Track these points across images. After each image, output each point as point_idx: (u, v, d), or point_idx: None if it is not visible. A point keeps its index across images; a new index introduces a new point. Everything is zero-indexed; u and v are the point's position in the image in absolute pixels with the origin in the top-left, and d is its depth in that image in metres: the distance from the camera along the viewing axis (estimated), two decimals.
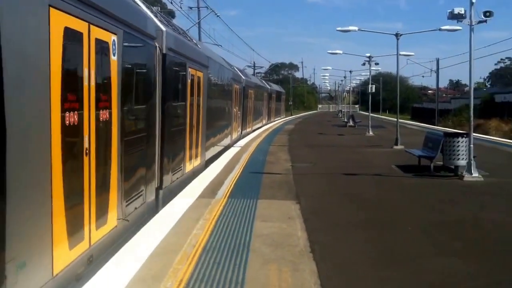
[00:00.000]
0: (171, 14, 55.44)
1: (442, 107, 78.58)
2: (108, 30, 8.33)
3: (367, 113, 43.81)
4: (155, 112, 11.97)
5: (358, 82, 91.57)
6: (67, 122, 6.83)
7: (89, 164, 7.67)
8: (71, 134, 7.01)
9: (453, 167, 17.27)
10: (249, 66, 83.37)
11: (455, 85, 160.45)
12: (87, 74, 7.54)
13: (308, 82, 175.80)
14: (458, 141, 16.99)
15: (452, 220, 11.07)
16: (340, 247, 8.88)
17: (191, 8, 48.51)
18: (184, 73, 14.84)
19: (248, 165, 19.08)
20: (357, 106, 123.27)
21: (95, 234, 7.96)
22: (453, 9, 17.00)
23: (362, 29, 31.10)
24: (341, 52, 39.46)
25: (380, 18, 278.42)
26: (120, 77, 9.02)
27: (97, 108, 7.95)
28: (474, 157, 16.65)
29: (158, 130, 12.27)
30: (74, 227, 7.14)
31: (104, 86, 8.33)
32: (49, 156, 6.33)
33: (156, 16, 13.07)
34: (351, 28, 29.33)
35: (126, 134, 9.47)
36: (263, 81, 60.40)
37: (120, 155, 9.09)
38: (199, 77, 16.91)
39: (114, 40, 8.68)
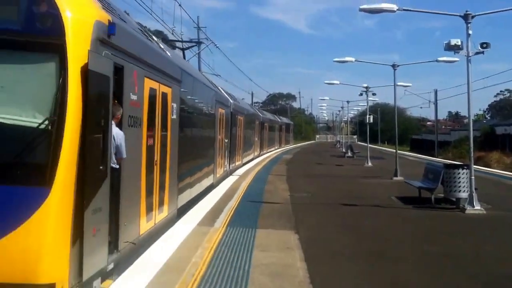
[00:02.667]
0: (172, 46, 55.85)
1: (441, 138, 78.58)
2: (223, 109, 23.49)
3: (366, 144, 43.78)
4: (228, 135, 25.85)
5: (356, 112, 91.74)
6: (219, 138, 22.24)
7: (220, 151, 22.59)
8: (220, 142, 22.57)
9: (454, 199, 17.12)
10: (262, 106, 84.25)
11: (454, 117, 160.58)
12: (222, 122, 23.12)
13: (306, 112, 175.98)
14: (459, 173, 16.84)
15: (453, 253, 10.92)
16: (340, 278, 8.73)
17: (191, 39, 48.72)
18: (237, 117, 29.81)
19: (246, 194, 18.94)
20: (355, 136, 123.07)
21: (218, 174, 22.06)
22: (449, 41, 16.99)
23: (359, 60, 31.13)
24: (338, 82, 39.51)
25: (376, 49, 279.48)
26: (224, 123, 23.84)
27: (225, 133, 24.17)
28: (475, 189, 16.51)
29: (228, 143, 25.72)
30: (219, 167, 22.47)
31: (222, 126, 23.12)
32: (216, 147, 21.51)
33: (227, 94, 28.04)
34: (347, 59, 29.35)
35: (232, 145, 26.98)
36: (275, 115, 78.31)
37: (224, 150, 23.92)
38: (241, 119, 32.10)
39: (224, 111, 23.72)
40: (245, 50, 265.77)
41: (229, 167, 26.15)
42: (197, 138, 16.94)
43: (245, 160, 34.72)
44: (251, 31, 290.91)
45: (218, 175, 21.99)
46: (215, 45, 47.94)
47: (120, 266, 8.70)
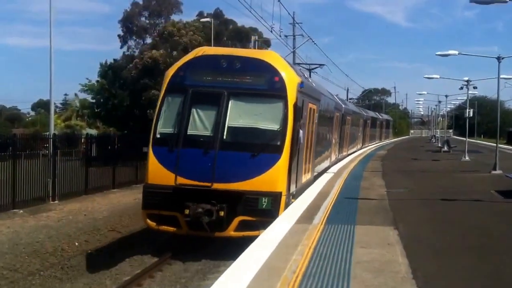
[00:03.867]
0: (267, 43, 56.18)
1: None
2: (338, 113, 30.22)
3: (461, 138, 42.57)
4: (340, 131, 31.80)
5: (452, 106, 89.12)
6: (335, 134, 29.51)
7: (334, 143, 29.83)
8: (335, 137, 30.20)
9: None
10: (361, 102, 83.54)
11: None
12: (337, 122, 30.13)
13: (400, 107, 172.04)
14: None
15: None
16: (443, 274, 8.65)
17: (287, 36, 49.02)
18: (346, 118, 35.65)
19: (342, 190, 18.91)
20: (450, 130, 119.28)
21: (332, 159, 29.16)
22: None
23: (462, 53, 30.06)
24: (438, 76, 38.54)
25: (476, 41, 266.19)
26: (338, 123, 30.72)
27: (338, 130, 31.09)
28: None
29: (340, 138, 32.34)
30: (333, 154, 29.54)
31: (337, 126, 30.02)
32: (332, 140, 28.71)
33: (340, 101, 37.09)
34: (451, 52, 28.41)
35: (342, 138, 33.88)
36: (377, 113, 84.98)
37: (336, 143, 31.02)
38: (349, 119, 37.87)
39: (338, 115, 30.61)
40: (341, 44, 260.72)
41: (338, 156, 33.13)
42: (323, 134, 24.44)
43: (350, 151, 41.48)
44: (347, 25, 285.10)
45: (332, 160, 29.40)
46: (312, 41, 48.34)
47: (296, 195, 16.93)
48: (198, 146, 15.37)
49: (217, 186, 14.90)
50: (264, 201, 14.86)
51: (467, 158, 36.66)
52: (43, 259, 16.65)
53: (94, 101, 57.10)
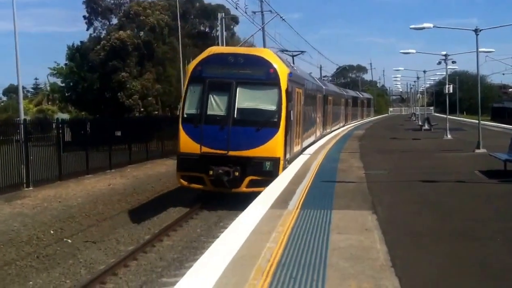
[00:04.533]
0: (234, 20, 55.01)
1: None
2: (320, 94, 35.47)
3: (443, 115, 42.24)
4: (322, 110, 36.70)
5: (432, 82, 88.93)
6: (318, 113, 34.56)
7: (318, 121, 34.85)
8: (319, 116, 35.06)
9: None
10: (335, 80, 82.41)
11: None
12: (320, 102, 35.24)
13: (378, 85, 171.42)
14: None
15: None
16: (424, 261, 8.26)
17: (254, 12, 47.39)
18: (328, 98, 40.33)
19: (319, 173, 18.54)
20: (431, 108, 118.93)
21: (317, 134, 34.22)
22: None
23: (438, 26, 29.03)
24: (414, 51, 37.62)
25: (453, 13, 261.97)
26: (321, 103, 35.75)
27: (321, 109, 35.95)
28: None
29: (323, 116, 37.31)
30: (318, 130, 34.69)
31: (319, 105, 35.16)
32: (317, 118, 33.91)
33: (321, 82, 44.84)
34: (425, 25, 27.39)
35: (325, 117, 38.64)
36: (357, 92, 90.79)
37: (320, 121, 36.00)
38: (330, 99, 42.62)
39: (321, 95, 35.81)
40: (312, 20, 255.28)
41: (322, 132, 37.58)
42: (309, 113, 28.74)
43: (333, 128, 46.01)
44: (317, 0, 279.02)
45: (317, 135, 34.05)
46: (281, 17, 47.10)
47: (291, 161, 21.24)
48: (216, 123, 19.88)
49: (232, 153, 19.42)
50: (268, 164, 19.40)
51: (449, 136, 36.23)
52: (18, 248, 16.53)
53: (63, 85, 55.92)
